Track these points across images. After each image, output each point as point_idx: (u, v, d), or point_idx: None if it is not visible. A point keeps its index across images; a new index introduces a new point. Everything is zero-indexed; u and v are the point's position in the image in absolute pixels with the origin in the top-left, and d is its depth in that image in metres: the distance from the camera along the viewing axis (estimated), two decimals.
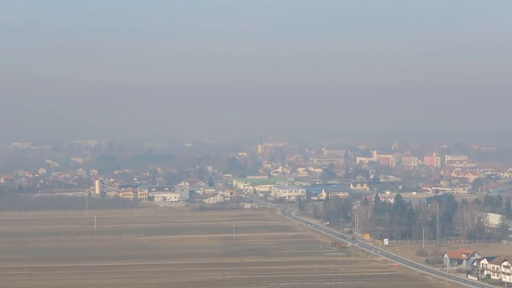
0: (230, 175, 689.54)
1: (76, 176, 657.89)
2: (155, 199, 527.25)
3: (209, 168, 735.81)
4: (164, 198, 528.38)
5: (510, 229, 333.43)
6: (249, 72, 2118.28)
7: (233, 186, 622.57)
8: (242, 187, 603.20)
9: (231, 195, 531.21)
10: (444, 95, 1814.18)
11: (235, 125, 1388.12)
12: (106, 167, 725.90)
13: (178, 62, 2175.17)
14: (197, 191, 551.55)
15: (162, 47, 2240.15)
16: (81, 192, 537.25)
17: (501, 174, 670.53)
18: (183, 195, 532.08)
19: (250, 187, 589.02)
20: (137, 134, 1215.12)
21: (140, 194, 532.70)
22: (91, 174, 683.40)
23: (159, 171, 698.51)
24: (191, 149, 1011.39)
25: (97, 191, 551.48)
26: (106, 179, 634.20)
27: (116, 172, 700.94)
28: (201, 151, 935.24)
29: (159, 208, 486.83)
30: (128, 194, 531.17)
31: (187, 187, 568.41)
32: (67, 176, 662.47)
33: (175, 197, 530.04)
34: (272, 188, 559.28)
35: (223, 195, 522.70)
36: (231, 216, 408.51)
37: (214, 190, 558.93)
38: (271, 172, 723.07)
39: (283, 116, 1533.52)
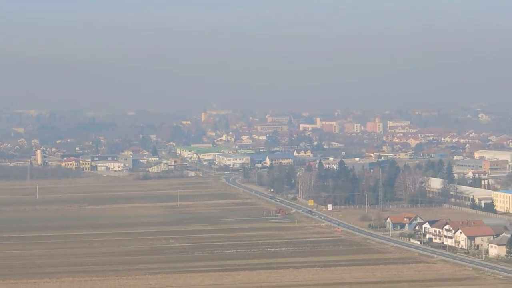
0: (174, 144, 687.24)
1: (17, 146, 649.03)
2: (98, 168, 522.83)
3: (153, 137, 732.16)
4: (107, 168, 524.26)
5: (451, 193, 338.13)
6: (192, 39, 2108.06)
7: (177, 154, 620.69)
8: (186, 156, 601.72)
9: (175, 164, 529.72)
10: (386, 61, 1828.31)
11: (179, 93, 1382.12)
12: (48, 137, 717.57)
13: (120, 33, 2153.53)
14: (141, 160, 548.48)
15: (104, 18, 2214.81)
16: (22, 162, 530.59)
17: (442, 139, 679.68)
18: (127, 164, 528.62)
19: (194, 155, 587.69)
20: (79, 103, 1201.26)
21: (83, 164, 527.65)
22: (33, 144, 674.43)
23: (101, 140, 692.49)
24: (134, 118, 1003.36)
25: (39, 161, 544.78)
26: (48, 149, 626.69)
27: (58, 141, 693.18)
28: (144, 120, 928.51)
29: (102, 178, 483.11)
30: (70, 164, 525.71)
31: (131, 156, 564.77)
32: (8, 146, 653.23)
33: (119, 166, 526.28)
34: (216, 156, 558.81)
35: (167, 163, 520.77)
36: (175, 185, 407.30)
37: (158, 158, 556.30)
38: (215, 140, 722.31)
39: (227, 83, 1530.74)
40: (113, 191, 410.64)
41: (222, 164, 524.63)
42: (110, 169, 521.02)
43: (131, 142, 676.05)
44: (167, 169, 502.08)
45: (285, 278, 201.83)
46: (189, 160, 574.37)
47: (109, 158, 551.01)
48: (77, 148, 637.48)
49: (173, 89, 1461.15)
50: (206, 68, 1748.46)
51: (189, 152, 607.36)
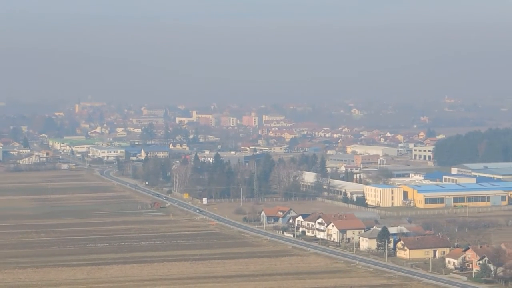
0: (46, 136, 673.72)
1: None
2: None
3: (24, 128, 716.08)
4: None
5: (324, 187, 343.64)
6: (69, 28, 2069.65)
7: (50, 146, 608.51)
8: (59, 148, 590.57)
9: (47, 156, 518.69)
10: (261, 56, 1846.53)
11: (52, 84, 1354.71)
12: None
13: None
14: (11, 152, 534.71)
15: None
16: None
17: (316, 133, 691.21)
18: None
19: (67, 147, 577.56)
20: None
21: None
22: None
23: None
24: (4, 109, 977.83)
25: None
26: None
27: None
28: (15, 110, 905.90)
29: None
30: None
31: (1, 147, 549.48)
32: None
33: None
34: (90, 148, 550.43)
35: (38, 155, 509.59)
36: (47, 177, 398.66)
37: (29, 150, 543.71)
38: (89, 132, 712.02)
39: (102, 75, 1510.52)
40: None
41: (96, 157, 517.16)
42: None
43: (1, 133, 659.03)
44: (39, 161, 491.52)
45: (159, 271, 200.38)
46: (62, 153, 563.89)
47: None
48: None
49: (46, 80, 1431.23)
50: (82, 59, 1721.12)
51: (62, 144, 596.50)
